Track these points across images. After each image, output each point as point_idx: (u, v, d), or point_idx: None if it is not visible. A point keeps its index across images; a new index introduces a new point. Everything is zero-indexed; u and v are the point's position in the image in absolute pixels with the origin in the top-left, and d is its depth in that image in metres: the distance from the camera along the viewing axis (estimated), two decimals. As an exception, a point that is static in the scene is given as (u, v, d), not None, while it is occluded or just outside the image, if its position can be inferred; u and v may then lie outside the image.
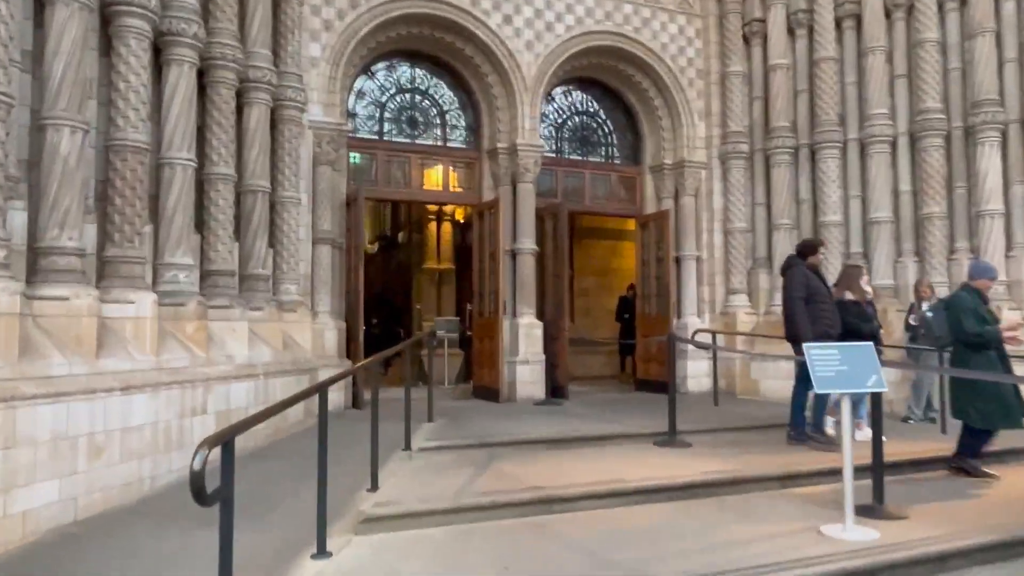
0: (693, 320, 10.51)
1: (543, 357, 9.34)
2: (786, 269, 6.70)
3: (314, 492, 3.95)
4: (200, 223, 6.56)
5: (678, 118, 10.73)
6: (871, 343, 4.55)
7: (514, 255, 9.68)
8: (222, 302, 6.40)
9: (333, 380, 4.54)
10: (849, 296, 6.80)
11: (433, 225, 12.82)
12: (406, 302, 13.94)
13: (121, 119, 5.41)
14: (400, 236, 15.55)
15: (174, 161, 5.93)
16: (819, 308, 6.39)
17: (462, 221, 13.82)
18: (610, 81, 10.90)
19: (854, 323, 6.57)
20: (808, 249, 6.77)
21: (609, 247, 14.15)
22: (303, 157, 8.14)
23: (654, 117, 10.95)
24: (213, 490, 2.78)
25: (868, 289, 7.18)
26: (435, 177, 9.97)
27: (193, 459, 2.63)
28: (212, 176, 6.53)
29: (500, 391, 9.11)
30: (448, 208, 12.75)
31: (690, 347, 9.91)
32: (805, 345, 4.46)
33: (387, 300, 15.85)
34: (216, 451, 2.86)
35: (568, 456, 6.04)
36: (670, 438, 6.56)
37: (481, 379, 9.66)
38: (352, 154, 9.37)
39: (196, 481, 2.62)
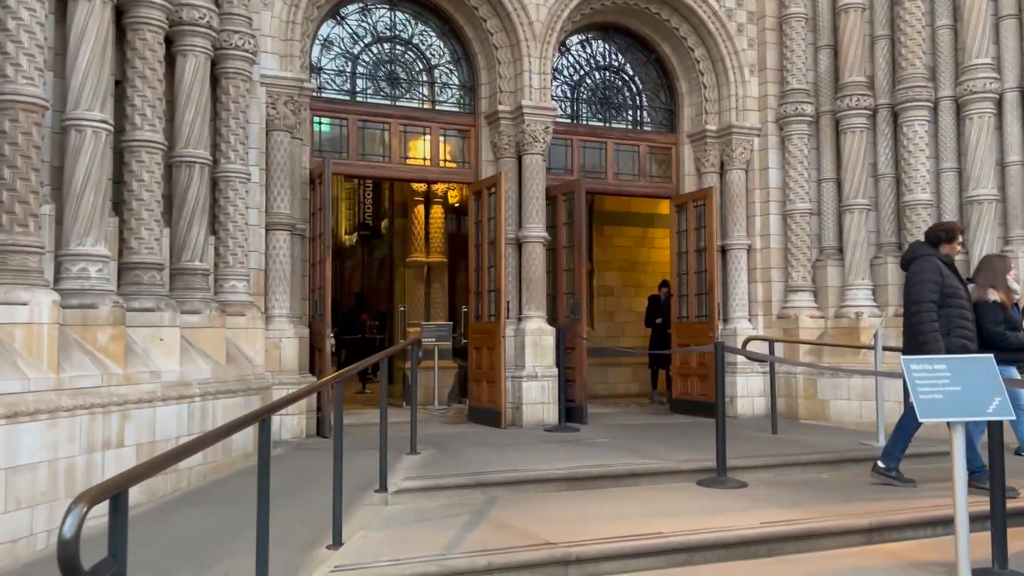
0: (743, 325, 10.09)
1: (555, 371, 8.95)
2: (910, 261, 5.97)
3: (254, 552, 3.55)
4: (120, 204, 6.19)
5: (724, 74, 10.32)
6: (991, 355, 4.12)
7: (519, 245, 9.29)
8: (147, 304, 6.02)
9: (280, 404, 4.15)
10: (994, 296, 6.13)
11: (420, 209, 12.43)
12: (391, 304, 13.58)
13: (11, 67, 5.03)
14: (383, 225, 15.19)
15: (82, 123, 5.55)
16: (955, 314, 5.72)
17: (456, 205, 13.45)
18: (639, 28, 10.50)
19: (997, 333, 5.94)
20: (944, 234, 6.00)
21: (637, 236, 13.76)
22: (253, 121, 7.75)
23: (694, 72, 10.53)
24: (97, 564, 2.38)
25: (1016, 286, 6.40)
26: (421, 148, 9.58)
27: (64, 522, 2.23)
28: (134, 143, 6.16)
29: (502, 414, 8.72)
30: (439, 188, 12.36)
31: (740, 359, 9.51)
32: (904, 359, 4.04)
33: (367, 303, 15.48)
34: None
35: (588, 500, 5.63)
36: (719, 476, 6.15)
37: (479, 398, 9.27)
38: (317, 119, 8.99)
39: (67, 555, 2.21)
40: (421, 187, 12.42)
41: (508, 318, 9.02)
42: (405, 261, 12.43)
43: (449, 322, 12.07)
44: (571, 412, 9.05)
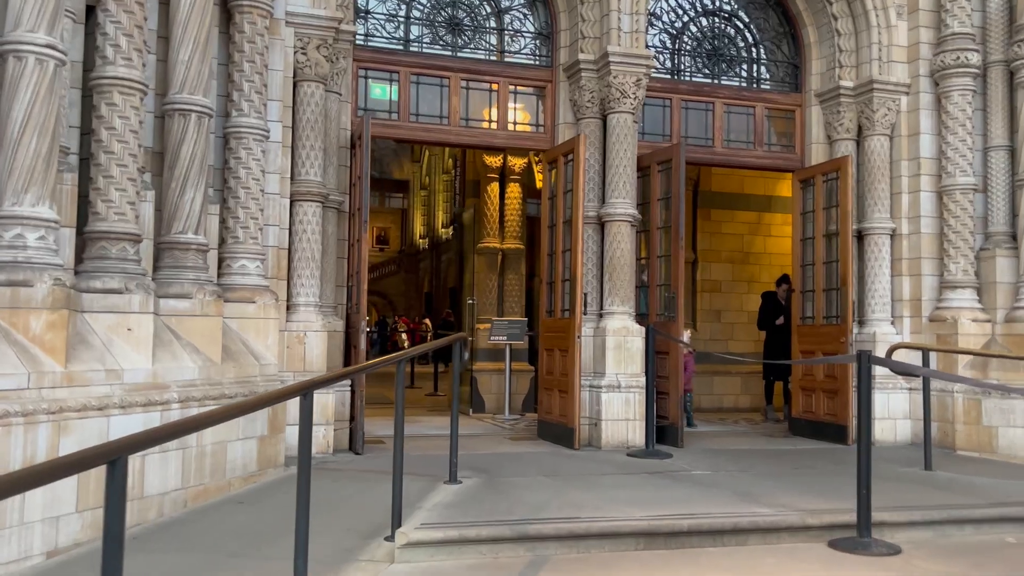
0: (884, 329, 8.32)
1: (643, 381, 7.44)
2: None
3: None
4: (88, 158, 5.09)
5: (864, 16, 8.56)
6: None
7: (601, 224, 7.83)
8: (111, 283, 4.89)
9: (270, 398, 2.87)
10: None
11: (494, 188, 11.12)
12: (460, 296, 12.32)
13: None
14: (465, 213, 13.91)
15: (22, 48, 4.43)
16: None
17: (540, 188, 12.00)
18: (757, -38, 8.85)
19: None
20: None
21: (750, 221, 12.04)
22: (275, 67, 6.58)
23: (825, 16, 8.81)
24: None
25: None
26: (486, 108, 8.23)
27: None
28: (104, 82, 5.04)
29: (575, 431, 7.29)
30: (515, 163, 11.03)
31: (878, 371, 7.77)
32: None
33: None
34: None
35: (674, 567, 4.15)
36: (860, 536, 4.57)
37: (549, 411, 7.86)
38: (363, 72, 7.77)
39: None
40: (495, 161, 11.09)
41: (585, 314, 7.57)
42: (476, 248, 11.13)
43: (524, 318, 10.70)
44: (662, 432, 7.53)
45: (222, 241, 6.23)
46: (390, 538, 4.23)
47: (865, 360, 4.83)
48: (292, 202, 6.84)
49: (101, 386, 4.59)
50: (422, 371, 17.14)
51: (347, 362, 7.23)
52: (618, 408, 7.45)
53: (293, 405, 6.48)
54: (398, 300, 39.33)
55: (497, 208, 11.18)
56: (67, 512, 4.22)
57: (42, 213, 4.47)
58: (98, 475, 3.00)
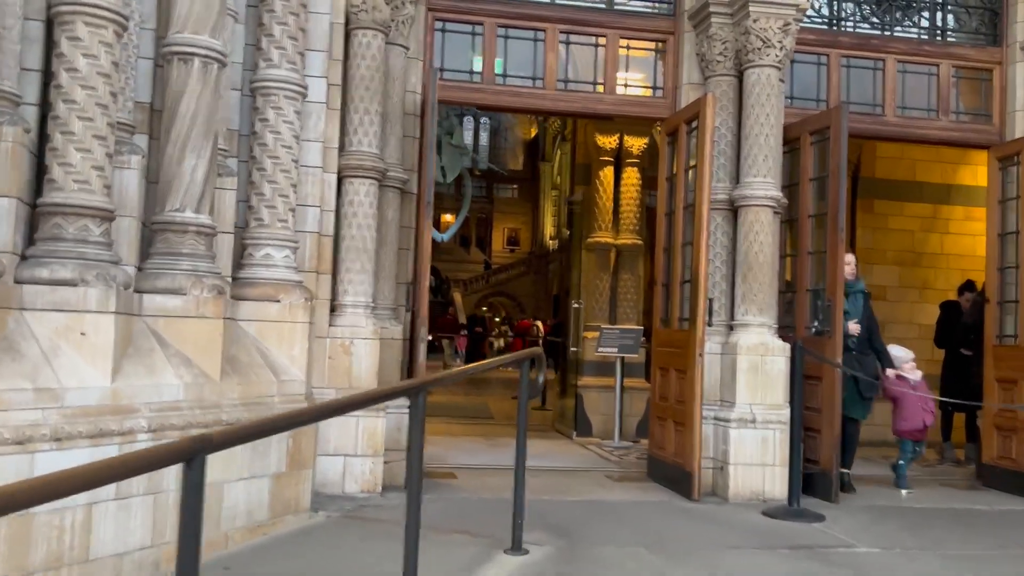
0: (1120, 355, 6.29)
1: (787, 414, 5.77)
2: None
3: None
4: (45, 107, 3.98)
5: (1096, -61, 6.55)
6: None
7: (735, 211, 6.22)
8: (62, 273, 3.74)
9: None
10: None
11: (608, 174, 9.62)
12: (566, 299, 10.88)
13: None
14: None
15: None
16: None
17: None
18: None
19: None
20: None
21: (924, 215, 10.03)
22: (319, 9, 5.36)
23: (1040, -58, 6.84)
24: None
25: None
26: (590, 66, 6.76)
27: None
28: (67, 9, 3.90)
29: (693, 477, 5.71)
30: (633, 144, 9.47)
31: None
32: None
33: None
34: None
35: None
36: None
37: (662, 446, 6.32)
38: (438, 23, 6.47)
39: None
40: (609, 141, 9.56)
41: (711, 325, 5.98)
42: (585, 243, 9.64)
43: (640, 327, 9.12)
44: (810, 481, 5.83)
45: (245, 223, 5.06)
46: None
47: None
48: (340, 179, 5.61)
49: (26, 411, 3.43)
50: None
51: (410, 374, 5.94)
52: (752, 449, 5.81)
53: (327, 428, 5.28)
54: (527, 302, 38.71)
55: (611, 197, 9.64)
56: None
57: (-50, 175, 3.36)
58: None
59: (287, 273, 5.02)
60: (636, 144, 9.62)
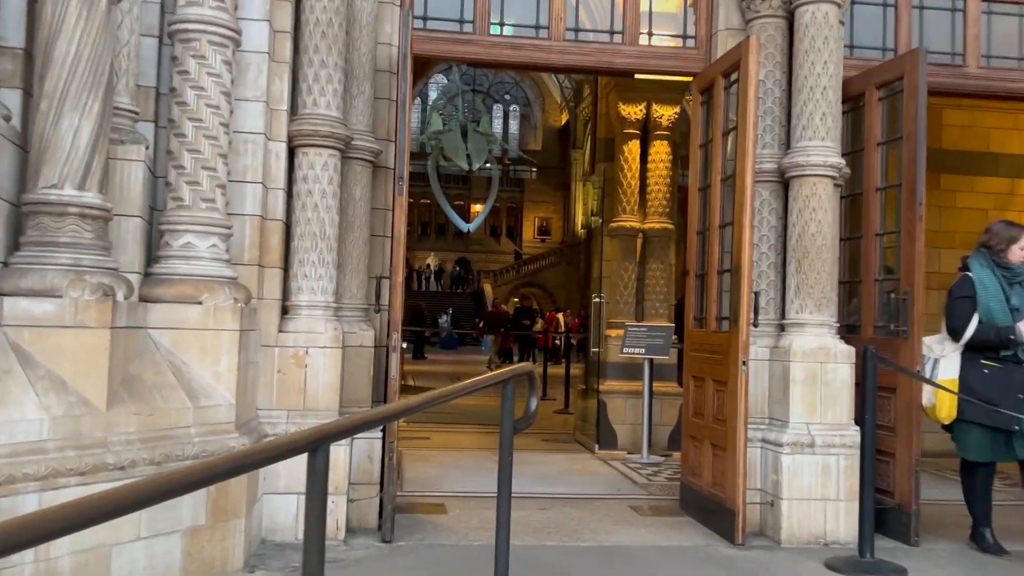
0: None
1: (854, 435, 4.62)
2: None
3: None
4: None
5: None
6: None
7: (785, 184, 5.07)
8: None
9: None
10: None
11: (633, 148, 8.47)
12: (587, 290, 9.73)
13: None
14: (593, 183, 11.31)
15: None
16: None
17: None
18: None
19: None
20: None
21: (1000, 192, 8.81)
22: (257, -66, 4.30)
23: None
24: None
25: None
26: (606, 11, 5.63)
27: None
28: None
29: (736, 516, 4.58)
30: (663, 113, 8.30)
31: None
32: None
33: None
34: None
35: None
36: None
37: (697, 472, 5.19)
38: (420, -37, 5.38)
39: None
40: (635, 112, 8.39)
41: (756, 325, 4.85)
42: (608, 228, 8.49)
43: (670, 324, 7.97)
44: (882, 518, 4.68)
45: (164, 204, 4.03)
46: None
47: None
48: (292, 149, 4.56)
49: None
50: (555, 373, 14.63)
51: (385, 392, 4.87)
52: (810, 480, 4.67)
53: (278, 465, 4.23)
54: (558, 292, 37.94)
55: (637, 175, 8.48)
56: None
57: None
58: None
59: (214, 267, 3.97)
60: (666, 114, 8.45)
